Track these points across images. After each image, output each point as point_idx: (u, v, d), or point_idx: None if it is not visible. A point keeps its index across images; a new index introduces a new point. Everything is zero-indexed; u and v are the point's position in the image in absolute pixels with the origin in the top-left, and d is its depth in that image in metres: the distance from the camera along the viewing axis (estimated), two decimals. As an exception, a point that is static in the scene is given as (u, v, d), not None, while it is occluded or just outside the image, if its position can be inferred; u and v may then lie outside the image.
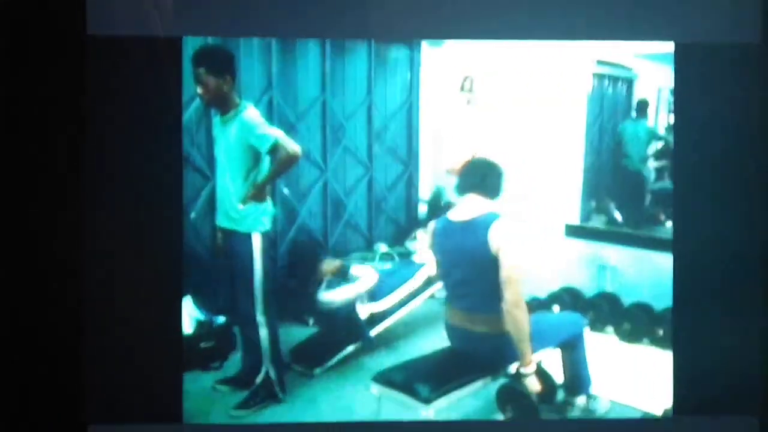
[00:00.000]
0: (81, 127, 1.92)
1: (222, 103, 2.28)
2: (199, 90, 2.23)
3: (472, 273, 2.21)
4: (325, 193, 2.67)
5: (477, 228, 2.20)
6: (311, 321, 2.51)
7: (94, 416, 1.95)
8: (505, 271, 2.15)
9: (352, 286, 2.51)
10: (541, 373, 2.21)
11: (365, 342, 2.47)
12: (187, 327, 2.16)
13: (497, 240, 2.16)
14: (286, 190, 2.57)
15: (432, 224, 2.31)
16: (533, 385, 2.17)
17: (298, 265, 2.52)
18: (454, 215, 2.26)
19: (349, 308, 2.48)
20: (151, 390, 1.97)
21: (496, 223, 2.18)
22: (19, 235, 1.92)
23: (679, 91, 2.04)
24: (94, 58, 1.92)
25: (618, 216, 2.60)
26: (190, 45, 2.08)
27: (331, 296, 2.49)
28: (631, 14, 2.00)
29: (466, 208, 2.25)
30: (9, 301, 1.93)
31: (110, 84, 1.93)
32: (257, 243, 2.30)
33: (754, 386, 2.03)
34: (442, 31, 2.04)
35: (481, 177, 2.23)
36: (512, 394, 2.20)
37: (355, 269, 2.55)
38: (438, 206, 2.67)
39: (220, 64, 2.22)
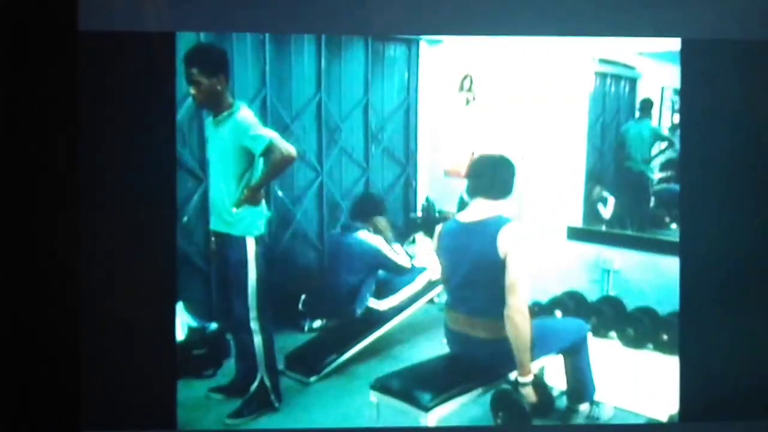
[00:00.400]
0: (80, 127, 1.90)
1: (215, 103, 2.23)
2: (192, 90, 2.19)
3: (477, 275, 2.17)
4: (321, 196, 2.65)
5: (486, 230, 2.16)
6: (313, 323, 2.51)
7: (87, 422, 1.91)
8: (512, 276, 2.11)
9: (386, 245, 2.56)
10: (539, 384, 2.17)
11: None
12: (179, 334, 2.14)
13: (506, 244, 2.13)
14: (280, 193, 2.55)
15: (440, 226, 2.28)
16: (529, 395, 2.14)
17: (359, 212, 2.60)
18: (464, 216, 2.23)
19: (370, 264, 2.57)
20: (144, 397, 1.95)
21: (507, 227, 2.14)
22: (17, 235, 1.90)
23: (685, 89, 2.01)
24: (86, 55, 1.90)
25: (604, 211, 2.58)
26: (183, 43, 2.05)
27: (365, 236, 2.55)
28: (636, 9, 1.97)
29: (476, 210, 2.21)
30: (6, 302, 1.90)
31: (102, 81, 1.91)
32: (251, 247, 2.26)
33: (763, 389, 2.01)
34: (441, 27, 2.01)
35: (489, 178, 2.20)
36: (506, 401, 2.17)
37: (397, 246, 2.60)
38: (431, 218, 2.67)
39: (213, 64, 2.18)
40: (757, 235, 2.00)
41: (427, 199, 2.74)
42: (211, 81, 2.18)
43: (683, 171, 2.02)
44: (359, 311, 2.54)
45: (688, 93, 2.01)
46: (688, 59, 2.00)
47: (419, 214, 2.76)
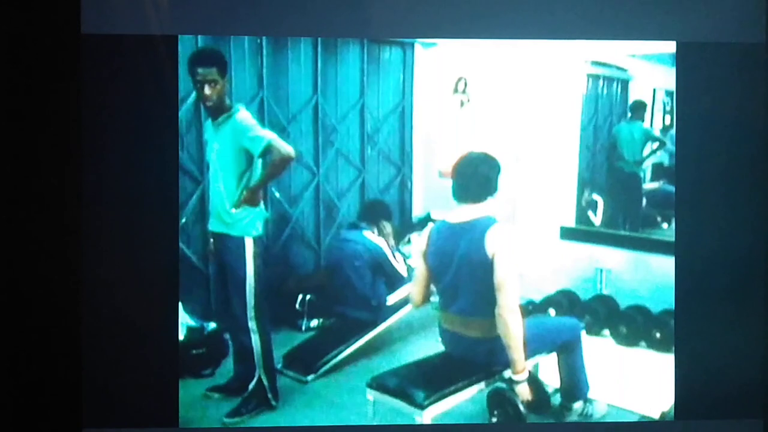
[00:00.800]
0: (82, 129, 1.91)
1: (221, 104, 2.26)
2: (207, 91, 2.21)
3: (467, 276, 2.19)
4: (318, 196, 2.65)
5: (474, 230, 2.18)
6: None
7: (90, 420, 1.93)
8: (499, 275, 2.13)
9: (388, 248, 2.59)
10: (534, 382, 2.19)
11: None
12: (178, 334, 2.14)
13: (493, 244, 2.14)
14: (277, 194, 2.56)
15: (428, 228, 2.30)
16: (524, 393, 2.15)
17: (367, 215, 2.64)
18: (452, 217, 2.24)
19: (371, 264, 2.60)
20: (146, 395, 1.96)
21: (494, 227, 2.16)
22: (19, 235, 1.91)
23: (680, 92, 2.02)
24: (89, 58, 1.91)
25: (594, 218, 2.59)
26: (187, 45, 2.06)
27: (369, 235, 2.58)
28: (632, 13, 1.99)
29: (465, 211, 2.23)
30: (9, 302, 1.91)
31: (105, 84, 1.92)
32: (249, 247, 2.27)
33: (757, 388, 2.02)
34: (436, 30, 2.02)
35: (471, 178, 2.21)
36: (501, 399, 2.18)
37: (398, 255, 2.62)
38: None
39: (226, 65, 2.22)
40: (750, 234, 2.02)
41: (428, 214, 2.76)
42: (224, 81, 2.21)
43: (678, 172, 2.03)
44: (376, 312, 2.57)
45: (682, 95, 2.03)
46: (682, 62, 2.01)
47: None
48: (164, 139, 1.94)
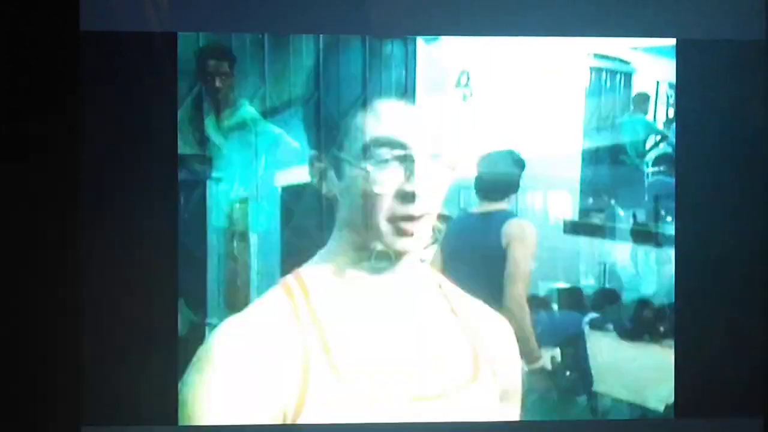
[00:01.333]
0: (83, 128, 1.91)
1: (226, 99, 2.26)
2: (218, 84, 2.23)
3: (478, 265, 2.20)
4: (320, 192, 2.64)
5: (492, 220, 2.22)
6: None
7: (87, 417, 1.93)
8: (512, 268, 2.15)
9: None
10: (548, 372, 2.20)
11: None
12: (181, 329, 2.15)
13: (509, 235, 2.17)
14: (280, 189, 2.55)
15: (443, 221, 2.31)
16: (540, 382, 2.16)
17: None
18: (473, 208, 2.28)
19: None
20: (146, 393, 1.96)
21: (512, 220, 2.19)
22: (21, 233, 1.91)
23: (680, 88, 2.03)
24: (88, 56, 1.91)
25: (621, 213, 2.59)
26: (188, 42, 2.06)
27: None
28: (631, 9, 1.99)
29: (486, 206, 2.26)
30: (8, 302, 1.91)
31: (104, 81, 1.92)
32: (254, 243, 2.28)
33: (758, 386, 2.03)
34: (438, 27, 2.03)
35: (496, 180, 2.23)
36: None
37: None
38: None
39: (235, 61, 2.24)
40: (752, 230, 2.03)
41: None
42: (233, 75, 2.22)
43: (679, 165, 2.04)
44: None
45: (683, 92, 2.03)
46: (683, 57, 2.02)
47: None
48: (164, 135, 1.95)
